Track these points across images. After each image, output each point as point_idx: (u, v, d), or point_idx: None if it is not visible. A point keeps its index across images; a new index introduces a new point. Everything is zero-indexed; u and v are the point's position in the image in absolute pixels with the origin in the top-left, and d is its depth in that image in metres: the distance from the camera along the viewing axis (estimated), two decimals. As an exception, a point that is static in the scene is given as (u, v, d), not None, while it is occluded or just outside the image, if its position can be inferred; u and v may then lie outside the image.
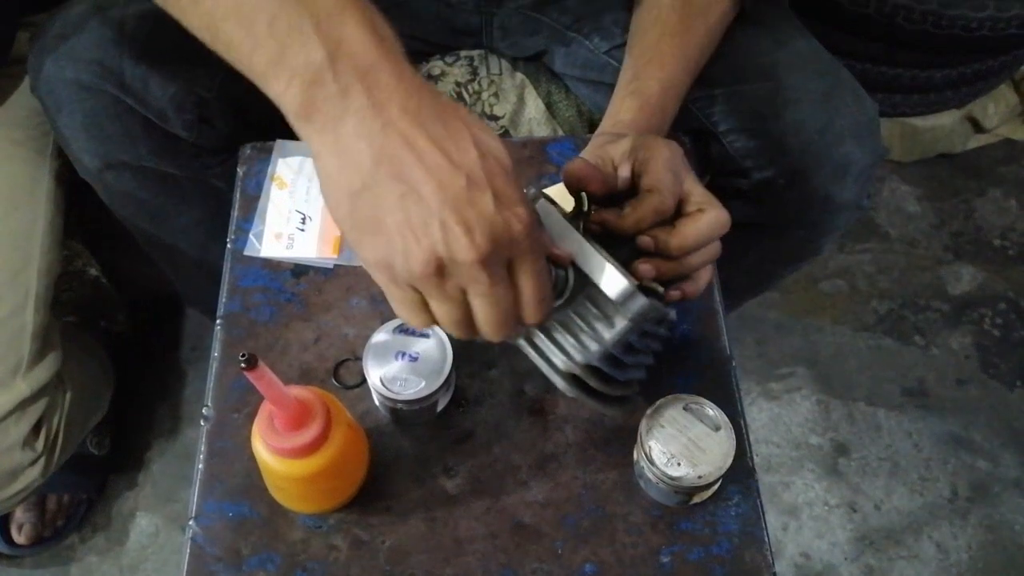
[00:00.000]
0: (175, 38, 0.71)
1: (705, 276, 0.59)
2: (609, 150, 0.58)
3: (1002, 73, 1.36)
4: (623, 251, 0.54)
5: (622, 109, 0.66)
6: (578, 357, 0.52)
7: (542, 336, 0.53)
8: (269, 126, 0.75)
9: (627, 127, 0.64)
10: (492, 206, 0.43)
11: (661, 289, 0.55)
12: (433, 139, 0.42)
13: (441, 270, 0.44)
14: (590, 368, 0.53)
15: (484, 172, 0.43)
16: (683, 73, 0.68)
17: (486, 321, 0.47)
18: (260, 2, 0.44)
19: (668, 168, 0.56)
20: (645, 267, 0.54)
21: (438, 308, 0.47)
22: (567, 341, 0.52)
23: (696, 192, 0.57)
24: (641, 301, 0.51)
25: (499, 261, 0.44)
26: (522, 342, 0.53)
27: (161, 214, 0.82)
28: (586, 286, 0.52)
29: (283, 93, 0.44)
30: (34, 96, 0.74)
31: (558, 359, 0.53)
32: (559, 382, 0.53)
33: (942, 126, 1.42)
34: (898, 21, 1.16)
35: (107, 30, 0.69)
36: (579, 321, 0.52)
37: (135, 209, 0.81)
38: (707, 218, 0.56)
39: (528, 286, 0.46)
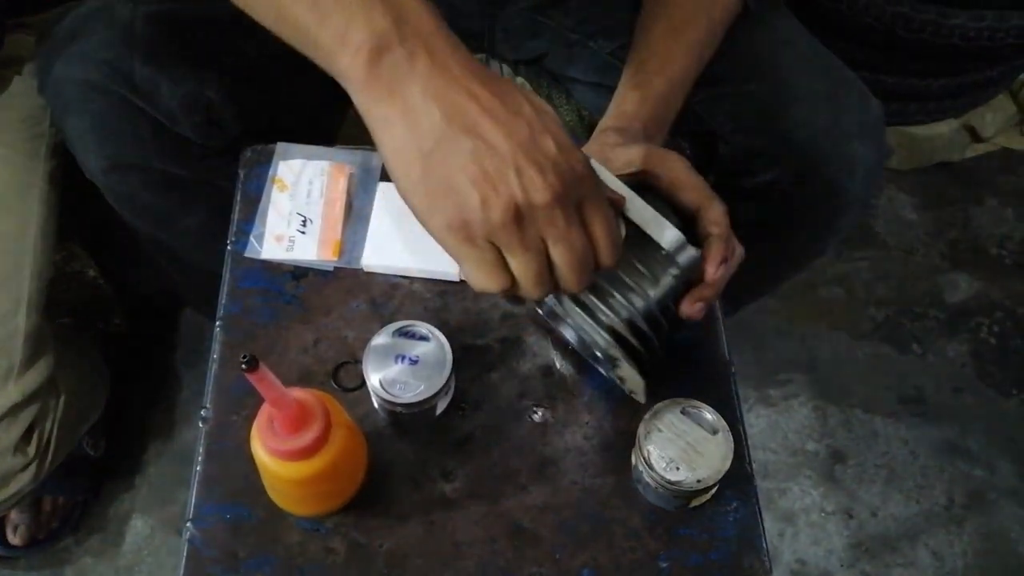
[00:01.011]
0: (185, 39, 0.71)
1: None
2: (618, 153, 0.59)
3: (1000, 83, 1.36)
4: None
5: (625, 101, 0.66)
6: (623, 313, 0.54)
7: (586, 291, 0.54)
8: (277, 128, 0.75)
9: (631, 119, 0.64)
10: (555, 149, 0.45)
11: (700, 251, 0.56)
12: (493, 93, 0.45)
13: (519, 217, 0.45)
14: (633, 326, 0.54)
15: (540, 121, 0.45)
16: (687, 67, 0.68)
17: (567, 266, 0.47)
18: None
19: (697, 176, 0.58)
20: (695, 308, 0.56)
21: (517, 261, 0.47)
22: (613, 297, 0.54)
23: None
24: (692, 252, 0.53)
25: (571, 202, 0.46)
26: (566, 299, 0.55)
27: (167, 216, 0.81)
28: (632, 244, 0.53)
29: (350, 65, 0.45)
30: (40, 97, 0.74)
31: (603, 314, 0.54)
32: (601, 339, 0.54)
33: (940, 135, 1.43)
34: (897, 30, 1.16)
35: (117, 31, 0.69)
36: (624, 277, 0.54)
37: (141, 211, 0.81)
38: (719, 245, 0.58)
39: (600, 227, 0.47)
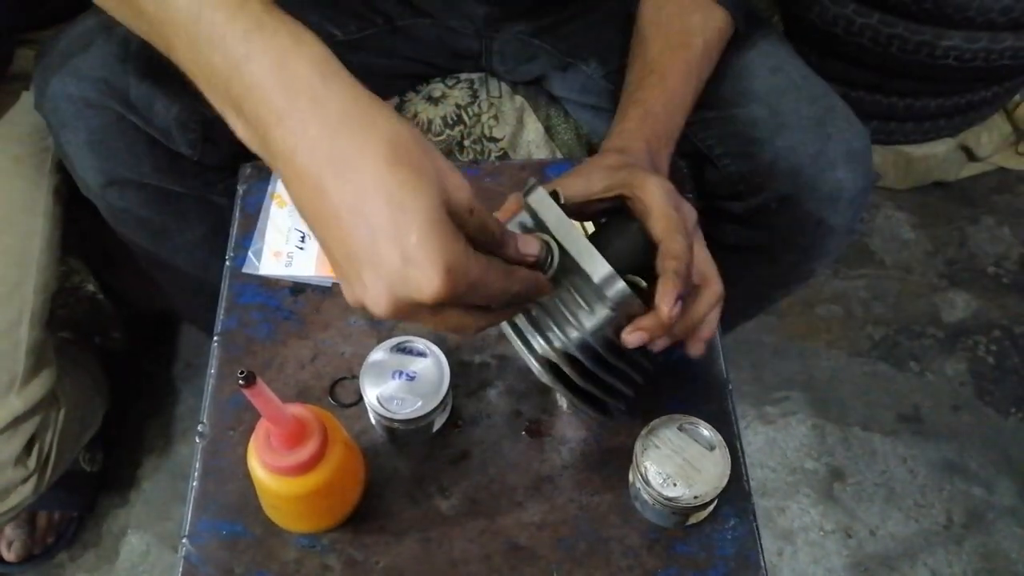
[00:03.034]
0: None
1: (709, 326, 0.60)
2: (602, 176, 0.58)
3: (995, 102, 1.37)
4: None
5: (626, 118, 0.66)
6: (556, 343, 0.53)
7: (523, 319, 0.54)
8: None
9: (632, 137, 0.64)
10: (397, 264, 0.40)
11: (644, 284, 0.55)
12: (340, 191, 0.40)
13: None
14: (568, 357, 0.54)
15: (394, 226, 0.40)
16: (685, 85, 0.69)
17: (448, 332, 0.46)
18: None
19: (670, 206, 0.56)
20: (633, 337, 0.54)
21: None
22: (547, 326, 0.54)
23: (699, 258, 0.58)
24: (620, 286, 0.52)
25: (413, 311, 0.43)
26: (506, 326, 0.54)
27: (163, 232, 0.82)
28: (571, 274, 0.53)
29: (244, 139, 0.45)
30: (38, 113, 0.75)
31: (537, 343, 0.54)
32: (535, 367, 0.54)
33: (936, 154, 1.43)
34: (893, 51, 1.17)
35: (113, 48, 0.69)
36: (562, 308, 0.54)
37: (137, 226, 0.81)
38: (706, 297, 0.58)
39: (459, 323, 0.45)
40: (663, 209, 0.55)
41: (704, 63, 0.71)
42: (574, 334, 0.54)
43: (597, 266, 0.52)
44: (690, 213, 0.58)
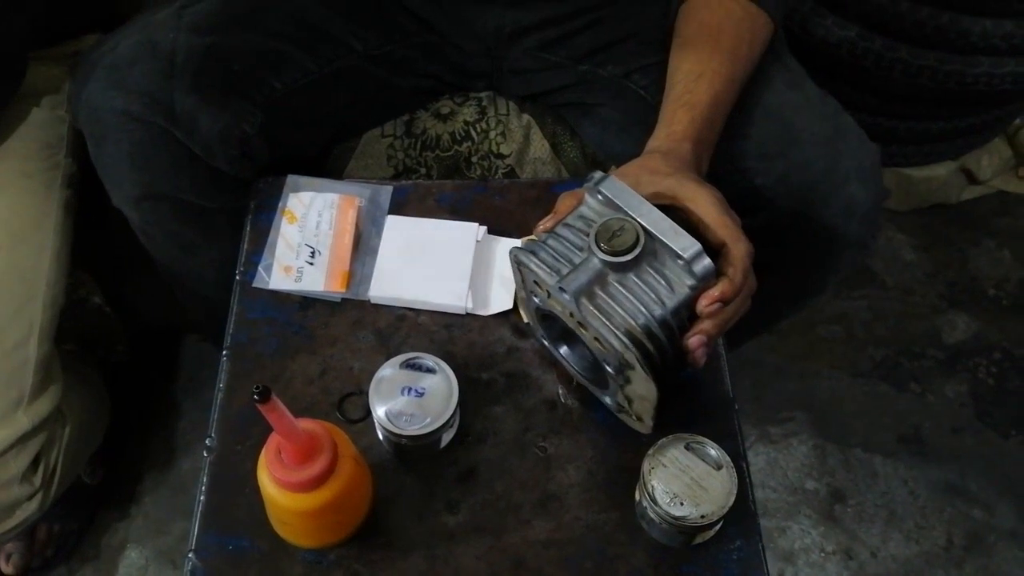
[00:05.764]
0: (222, 72, 0.73)
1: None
2: (654, 180, 0.60)
3: (996, 126, 1.39)
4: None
5: (674, 120, 0.67)
6: (640, 318, 0.55)
7: (604, 297, 0.56)
8: (307, 162, 0.76)
9: (680, 140, 0.65)
10: None
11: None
12: None
13: None
14: (649, 332, 0.56)
15: None
16: (730, 91, 0.70)
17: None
18: None
19: (724, 214, 0.59)
20: (694, 340, 0.57)
21: None
22: (629, 302, 0.56)
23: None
24: (707, 262, 0.55)
25: None
26: (584, 301, 0.56)
27: (192, 246, 0.82)
28: (649, 255, 0.56)
29: None
30: (76, 124, 0.75)
31: (620, 318, 0.56)
32: (617, 341, 0.55)
33: (937, 177, 1.44)
34: (895, 75, 1.18)
35: (159, 64, 0.71)
36: (642, 286, 0.56)
37: (166, 240, 0.82)
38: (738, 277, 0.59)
39: None
40: (719, 219, 0.58)
41: (749, 70, 0.72)
42: (656, 310, 0.56)
43: (686, 243, 0.55)
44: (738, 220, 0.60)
